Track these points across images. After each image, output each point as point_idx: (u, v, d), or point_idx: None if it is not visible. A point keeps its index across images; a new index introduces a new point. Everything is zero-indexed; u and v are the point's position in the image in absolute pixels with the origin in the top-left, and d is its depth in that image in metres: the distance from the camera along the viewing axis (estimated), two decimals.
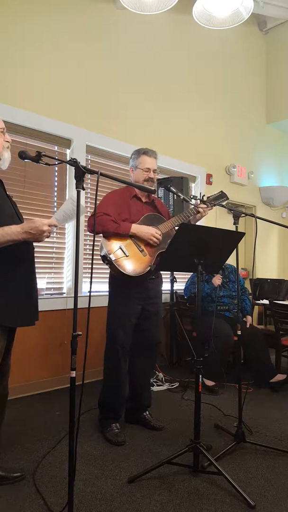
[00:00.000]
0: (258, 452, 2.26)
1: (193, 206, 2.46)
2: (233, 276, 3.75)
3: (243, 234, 2.19)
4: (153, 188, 2.18)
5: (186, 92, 4.64)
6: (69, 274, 3.49)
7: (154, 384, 3.40)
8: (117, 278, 2.35)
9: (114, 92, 3.90)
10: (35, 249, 1.92)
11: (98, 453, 2.21)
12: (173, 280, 3.92)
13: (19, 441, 2.33)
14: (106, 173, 1.70)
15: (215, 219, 4.95)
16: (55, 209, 3.43)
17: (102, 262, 2.39)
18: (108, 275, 2.52)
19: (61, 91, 3.48)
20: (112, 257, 2.27)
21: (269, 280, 4.92)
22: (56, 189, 3.46)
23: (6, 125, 3.08)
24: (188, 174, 4.54)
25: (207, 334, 3.30)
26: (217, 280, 3.55)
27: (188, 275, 4.18)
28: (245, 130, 5.50)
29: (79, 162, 1.56)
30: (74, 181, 1.56)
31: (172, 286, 3.92)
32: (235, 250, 2.29)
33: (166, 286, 4.06)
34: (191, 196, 2.45)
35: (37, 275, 1.94)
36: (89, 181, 3.69)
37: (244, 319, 3.66)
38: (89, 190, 3.69)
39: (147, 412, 2.61)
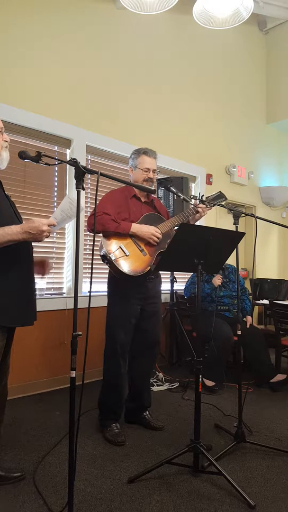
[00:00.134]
0: (258, 452, 2.26)
1: (192, 206, 2.46)
2: (233, 276, 3.75)
3: (243, 234, 2.19)
4: (153, 188, 2.18)
5: (186, 92, 4.64)
6: (69, 274, 3.49)
7: (154, 384, 3.41)
8: (116, 278, 2.34)
9: (114, 92, 3.90)
10: (35, 249, 1.93)
11: (98, 453, 2.21)
12: (173, 280, 3.92)
13: (19, 441, 2.33)
14: (106, 173, 1.70)
15: (215, 219, 4.95)
16: (55, 209, 3.43)
17: (102, 262, 2.39)
18: (107, 275, 2.52)
19: (61, 91, 3.48)
20: (112, 256, 2.27)
21: (269, 280, 4.92)
22: (56, 189, 3.46)
23: (6, 125, 3.08)
24: (188, 174, 4.54)
25: (207, 334, 3.30)
26: (217, 280, 3.55)
27: (188, 275, 4.18)
28: (245, 130, 5.50)
29: (79, 162, 1.56)
30: (74, 181, 1.56)
31: (172, 286, 3.92)
32: (235, 250, 2.29)
33: (166, 286, 4.06)
34: (191, 196, 2.45)
35: (37, 275, 1.94)
36: (89, 181, 3.69)
37: (244, 319, 3.66)
38: (89, 190, 3.69)
39: (147, 412, 2.61)
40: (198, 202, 2.46)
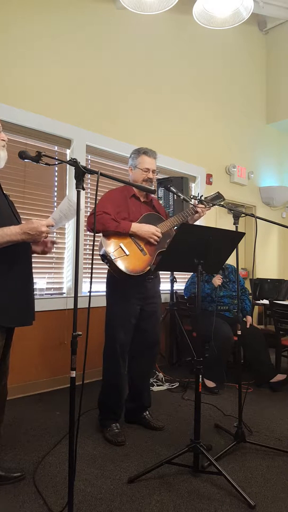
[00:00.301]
0: (258, 452, 2.26)
1: (191, 206, 2.46)
2: (233, 276, 3.75)
3: (243, 234, 2.19)
4: (153, 188, 2.18)
5: (186, 92, 4.64)
6: (69, 274, 3.49)
7: (154, 384, 3.41)
8: (116, 278, 2.34)
9: (114, 92, 3.90)
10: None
11: (98, 453, 2.21)
12: (173, 280, 3.92)
13: (19, 441, 2.33)
14: (106, 173, 1.70)
15: (215, 219, 4.95)
16: (55, 209, 3.43)
17: (102, 262, 2.39)
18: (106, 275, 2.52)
19: (61, 91, 3.48)
20: (112, 256, 2.26)
21: (269, 280, 4.92)
22: (56, 189, 3.46)
23: (6, 125, 3.09)
24: (188, 174, 4.54)
25: (207, 334, 3.30)
26: (217, 280, 3.55)
27: (188, 275, 4.18)
28: (245, 130, 5.50)
29: (79, 162, 1.56)
30: (74, 181, 1.56)
31: (172, 286, 3.92)
32: (235, 250, 2.29)
33: (166, 286, 4.06)
34: (191, 196, 2.45)
35: (37, 275, 1.94)
36: (89, 181, 3.69)
37: (244, 319, 3.66)
38: (89, 190, 3.69)
39: (147, 412, 2.61)
40: (197, 202, 2.46)
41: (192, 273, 3.76)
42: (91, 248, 3.65)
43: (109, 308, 2.48)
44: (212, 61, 4.98)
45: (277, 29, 5.69)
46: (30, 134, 3.26)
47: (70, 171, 3.47)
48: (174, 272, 3.96)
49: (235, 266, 2.83)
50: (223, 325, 3.38)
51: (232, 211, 2.35)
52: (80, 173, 1.55)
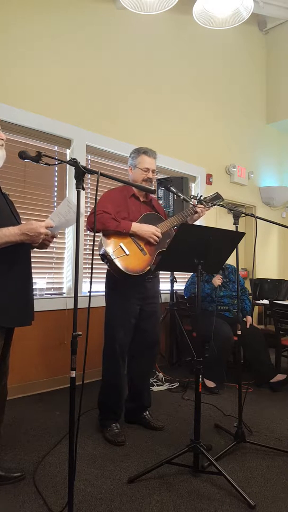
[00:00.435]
0: (258, 452, 2.26)
1: (191, 206, 2.46)
2: (233, 276, 3.75)
3: (243, 234, 2.19)
4: (153, 188, 2.18)
5: (186, 92, 4.64)
6: (69, 274, 3.49)
7: (154, 384, 3.41)
8: (115, 277, 2.34)
9: (114, 92, 3.90)
10: (35, 250, 1.92)
11: (98, 453, 2.21)
12: (173, 280, 3.92)
13: (19, 441, 2.33)
14: (106, 173, 1.70)
15: (215, 219, 4.95)
16: (55, 209, 3.43)
17: (102, 262, 2.39)
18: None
19: (61, 91, 3.48)
20: (112, 255, 2.26)
21: (269, 280, 4.92)
22: (56, 189, 3.46)
23: (6, 125, 3.10)
24: (188, 174, 4.54)
25: (207, 334, 3.30)
26: (217, 280, 3.55)
27: (188, 275, 4.18)
28: (245, 130, 5.50)
29: (79, 162, 1.56)
30: (74, 181, 1.56)
31: (172, 286, 3.92)
32: (235, 250, 2.29)
33: (166, 286, 4.06)
34: (191, 196, 2.45)
35: (37, 275, 1.94)
36: (89, 181, 3.69)
37: (244, 319, 3.66)
38: (89, 190, 3.69)
39: (147, 412, 2.61)
40: (196, 202, 2.46)
41: (192, 273, 3.76)
42: (91, 248, 3.65)
43: (109, 308, 2.48)
44: (212, 61, 4.98)
45: (277, 29, 5.69)
46: (30, 134, 3.26)
47: (70, 171, 3.47)
48: (174, 272, 3.96)
49: (235, 266, 2.83)
50: (223, 325, 3.38)
51: (232, 211, 2.35)
52: (80, 173, 1.55)
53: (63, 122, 3.46)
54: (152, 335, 2.53)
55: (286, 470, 2.08)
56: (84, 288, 3.59)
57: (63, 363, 3.34)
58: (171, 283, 3.92)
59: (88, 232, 3.63)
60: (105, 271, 2.51)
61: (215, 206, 2.65)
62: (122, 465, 2.08)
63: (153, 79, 4.27)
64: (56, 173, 3.46)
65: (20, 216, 1.92)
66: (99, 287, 3.55)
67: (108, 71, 3.86)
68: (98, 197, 1.86)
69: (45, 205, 3.36)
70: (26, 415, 2.73)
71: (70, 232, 3.50)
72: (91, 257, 3.54)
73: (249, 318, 3.70)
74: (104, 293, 2.53)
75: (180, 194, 2.49)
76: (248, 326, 3.58)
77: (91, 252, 3.62)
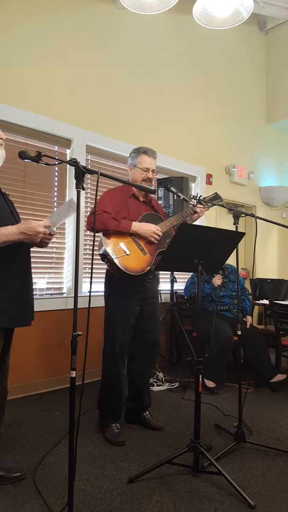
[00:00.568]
0: (258, 452, 2.26)
1: (191, 206, 2.46)
2: (233, 276, 3.75)
3: (243, 234, 2.19)
4: (153, 188, 2.18)
5: (186, 92, 4.64)
6: (69, 274, 3.49)
7: (154, 384, 3.41)
8: (115, 277, 2.34)
9: (114, 92, 3.90)
10: (35, 249, 1.92)
11: (98, 453, 2.21)
12: (173, 280, 3.92)
13: (19, 441, 2.33)
14: (106, 173, 1.70)
15: (215, 219, 4.95)
16: (55, 209, 3.43)
17: (102, 261, 2.39)
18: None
19: (61, 91, 3.48)
20: (112, 255, 2.26)
21: (269, 280, 4.92)
22: (56, 189, 3.46)
23: (6, 125, 3.10)
24: (188, 174, 4.54)
25: (207, 334, 3.30)
26: (217, 280, 3.55)
27: (188, 275, 4.18)
28: (245, 130, 5.50)
29: (79, 162, 1.56)
30: (74, 181, 1.56)
31: (172, 286, 3.92)
32: (235, 250, 2.29)
33: (166, 286, 4.06)
34: (191, 196, 2.45)
35: (37, 275, 1.94)
36: (89, 181, 3.69)
37: (244, 319, 3.66)
38: (89, 190, 3.69)
39: (147, 412, 2.61)
40: (196, 202, 2.46)
41: (192, 273, 3.76)
42: (91, 248, 3.65)
43: (108, 308, 2.47)
44: (212, 61, 4.98)
45: (277, 29, 5.69)
46: (30, 134, 3.26)
47: (70, 171, 3.47)
48: (174, 272, 3.96)
49: (235, 266, 2.83)
50: (223, 325, 3.38)
51: (232, 211, 2.35)
52: (80, 173, 1.55)
53: (63, 122, 3.46)
54: (152, 335, 2.53)
55: (286, 470, 2.08)
56: (84, 288, 3.59)
57: (63, 363, 3.34)
58: (171, 283, 3.92)
59: (88, 232, 3.63)
60: (105, 271, 2.51)
61: (215, 206, 2.65)
62: (122, 465, 2.08)
63: (153, 79, 4.27)
64: (56, 173, 3.46)
65: (20, 216, 1.92)
66: (99, 287, 3.55)
67: (108, 71, 3.86)
68: (98, 197, 1.85)
69: (45, 205, 3.36)
70: (26, 415, 2.73)
71: (70, 232, 3.50)
72: (91, 257, 3.54)
73: (249, 318, 3.70)
74: (103, 293, 2.53)
75: (180, 194, 2.48)
76: (248, 326, 3.58)
77: (91, 252, 3.62)
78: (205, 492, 1.85)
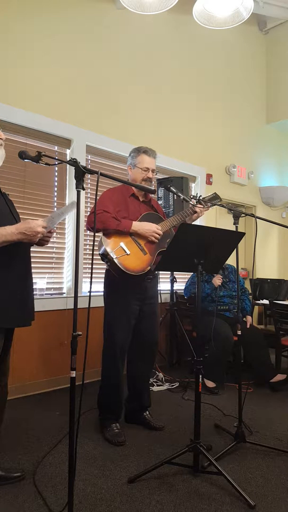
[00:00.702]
0: (258, 452, 2.26)
1: (191, 205, 2.46)
2: (233, 276, 3.75)
3: (243, 234, 2.19)
4: (153, 188, 2.18)
5: (186, 92, 4.64)
6: (69, 274, 3.49)
7: (154, 384, 3.41)
8: (114, 278, 2.33)
9: (114, 92, 3.90)
10: (35, 249, 1.92)
11: (98, 453, 2.21)
12: (173, 280, 3.92)
13: (19, 441, 2.33)
14: (106, 173, 1.70)
15: (215, 219, 4.95)
16: (55, 209, 3.43)
17: (102, 261, 2.39)
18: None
19: (61, 91, 3.48)
20: (113, 255, 2.25)
21: (269, 280, 4.92)
22: (56, 189, 3.46)
23: (6, 125, 3.10)
24: (188, 174, 4.54)
25: (207, 334, 3.30)
26: (217, 280, 3.55)
27: (188, 275, 4.18)
28: (245, 130, 5.50)
29: (79, 162, 1.56)
30: (74, 181, 1.56)
31: (172, 286, 3.92)
32: (235, 250, 2.29)
33: (166, 286, 4.06)
34: (191, 196, 2.45)
35: (37, 275, 1.94)
36: (89, 181, 3.69)
37: (244, 319, 3.66)
38: (89, 190, 3.69)
39: (147, 412, 2.61)
40: (195, 202, 2.46)
41: (192, 273, 3.76)
42: (91, 248, 3.65)
43: (108, 308, 2.47)
44: (212, 61, 4.98)
45: (277, 29, 5.69)
46: (30, 134, 3.26)
47: (70, 171, 3.47)
48: (174, 272, 3.96)
49: (235, 266, 2.83)
50: (223, 325, 3.38)
51: (232, 211, 2.35)
52: (80, 173, 1.55)
53: (63, 122, 3.46)
54: (151, 335, 2.53)
55: (286, 470, 2.08)
56: (84, 288, 3.59)
57: (63, 363, 3.34)
58: (171, 283, 3.92)
59: (88, 232, 3.63)
60: (105, 271, 2.51)
61: (215, 206, 2.65)
62: (122, 465, 2.08)
63: (153, 79, 4.27)
64: (56, 173, 3.46)
65: (20, 216, 1.92)
66: (99, 287, 3.55)
67: (108, 71, 3.86)
68: (98, 197, 1.85)
69: (45, 205, 3.36)
70: (26, 415, 2.73)
71: (70, 232, 3.50)
72: (91, 257, 3.54)
73: (249, 318, 3.70)
74: (103, 293, 2.53)
75: (180, 194, 2.48)
76: (248, 326, 3.58)
77: (91, 252, 3.62)
78: (205, 492, 1.85)
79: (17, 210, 1.92)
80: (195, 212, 2.47)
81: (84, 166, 1.56)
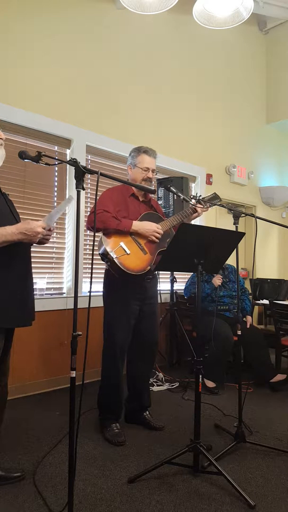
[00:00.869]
0: (258, 452, 2.26)
1: (191, 205, 2.46)
2: (233, 276, 3.75)
3: (243, 234, 2.19)
4: (153, 188, 2.17)
5: (186, 92, 4.64)
6: (69, 274, 3.49)
7: (154, 384, 3.41)
8: (114, 278, 2.33)
9: (114, 92, 3.90)
10: (35, 249, 1.92)
11: (98, 453, 2.21)
12: (173, 280, 3.92)
13: (19, 441, 2.33)
14: (106, 173, 1.70)
15: (215, 219, 4.95)
16: (57, 207, 3.43)
17: (102, 261, 2.39)
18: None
19: (61, 91, 3.48)
20: (113, 254, 2.25)
21: (269, 280, 4.92)
22: (56, 189, 3.46)
23: (6, 125, 3.10)
24: (188, 174, 4.54)
25: (207, 334, 3.30)
26: (217, 280, 3.55)
27: (188, 275, 4.18)
28: (245, 130, 5.50)
29: (79, 162, 1.56)
30: (74, 181, 1.56)
31: (172, 286, 3.92)
32: (235, 250, 2.29)
33: (166, 286, 4.06)
34: (191, 196, 2.45)
35: (37, 275, 1.94)
36: (89, 181, 3.69)
37: (244, 319, 3.66)
38: (89, 190, 3.69)
39: (147, 412, 2.61)
40: (195, 202, 2.46)
41: (192, 273, 3.76)
42: (91, 248, 3.65)
43: (108, 308, 2.47)
44: (212, 61, 4.98)
45: (277, 29, 5.69)
46: (30, 134, 3.26)
47: (70, 171, 3.47)
48: (174, 272, 3.96)
49: (235, 266, 2.82)
50: (223, 325, 3.38)
51: (232, 211, 2.35)
52: (80, 173, 1.55)
53: (63, 122, 3.46)
54: (151, 335, 2.53)
55: (286, 470, 2.08)
56: (84, 288, 3.59)
57: (63, 363, 3.34)
58: (171, 283, 3.92)
59: (88, 232, 3.63)
60: (104, 271, 2.50)
61: (215, 206, 2.65)
62: (122, 465, 2.08)
63: (153, 79, 4.27)
64: (56, 173, 3.46)
65: (20, 216, 1.92)
66: (99, 287, 3.55)
67: (108, 71, 3.86)
68: (98, 197, 1.85)
69: (45, 205, 3.36)
70: (26, 415, 2.73)
71: (70, 232, 3.50)
72: (91, 257, 3.54)
73: (249, 318, 3.70)
74: (102, 293, 2.52)
75: (180, 194, 2.48)
76: (248, 326, 3.58)
77: (91, 252, 3.62)
78: (205, 492, 1.85)
79: (17, 210, 1.92)
80: (196, 211, 2.47)
81: (84, 166, 1.56)
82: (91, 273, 1.65)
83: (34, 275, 1.89)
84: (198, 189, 4.73)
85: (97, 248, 2.44)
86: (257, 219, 2.32)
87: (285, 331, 3.56)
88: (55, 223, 1.82)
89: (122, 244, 2.30)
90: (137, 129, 4.07)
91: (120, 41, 3.97)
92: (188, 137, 4.65)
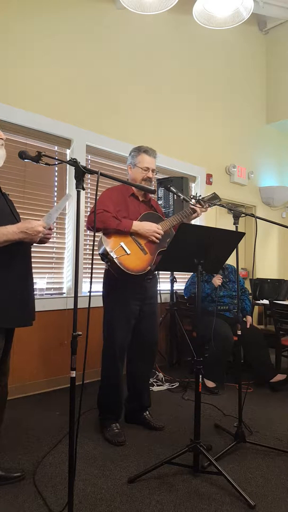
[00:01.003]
0: (258, 452, 2.26)
1: (191, 205, 2.46)
2: (233, 276, 3.75)
3: (243, 234, 2.19)
4: (153, 188, 2.17)
5: (186, 92, 4.64)
6: (69, 274, 3.49)
7: (154, 384, 3.41)
8: (114, 278, 2.33)
9: (114, 92, 3.90)
10: (35, 249, 1.92)
11: (98, 453, 2.21)
12: (173, 280, 3.92)
13: (19, 441, 2.33)
14: (106, 173, 1.70)
15: (215, 219, 4.95)
16: (56, 205, 3.43)
17: (101, 261, 2.38)
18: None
19: (61, 91, 3.48)
20: (113, 254, 2.25)
21: (269, 280, 4.92)
22: (56, 189, 3.46)
23: (6, 125, 3.10)
24: (188, 174, 4.54)
25: (207, 334, 3.30)
26: (217, 280, 3.55)
27: (188, 275, 4.18)
28: (245, 130, 5.50)
29: (79, 162, 1.56)
30: (74, 181, 1.56)
31: (172, 286, 3.92)
32: (235, 250, 2.29)
33: (166, 286, 4.06)
34: (191, 196, 2.45)
35: (37, 275, 1.94)
36: (89, 181, 3.69)
37: (244, 319, 3.66)
38: (89, 190, 3.69)
39: (147, 412, 2.61)
40: (194, 202, 2.46)
41: (192, 273, 3.76)
42: (91, 248, 3.65)
43: (108, 308, 2.47)
44: (212, 61, 4.98)
45: (277, 29, 5.69)
46: (30, 134, 3.26)
47: (70, 171, 3.47)
48: (174, 272, 3.96)
49: (235, 266, 2.82)
50: (223, 325, 3.38)
51: (232, 211, 2.35)
52: (80, 173, 1.55)
53: (63, 122, 3.46)
54: (151, 335, 2.53)
55: (286, 470, 2.08)
56: (84, 288, 3.59)
57: (63, 363, 3.34)
58: (171, 283, 3.92)
59: (88, 232, 3.63)
60: (104, 271, 2.50)
61: (215, 206, 2.66)
62: (122, 465, 2.08)
63: (153, 79, 4.27)
64: (56, 173, 3.46)
65: (21, 216, 1.92)
66: (99, 287, 3.55)
67: (108, 71, 3.86)
68: (98, 197, 1.85)
69: (45, 205, 3.35)
70: (26, 415, 2.73)
71: (70, 232, 3.50)
72: (91, 257, 3.54)
73: (249, 318, 3.70)
74: (102, 293, 2.52)
75: (180, 194, 2.48)
76: (248, 326, 3.58)
77: (91, 252, 3.62)
78: (205, 492, 1.85)
79: (17, 210, 1.92)
80: (195, 211, 2.47)
81: (84, 166, 1.56)
82: (91, 273, 1.65)
83: (34, 275, 1.89)
84: (198, 189, 4.73)
85: (97, 248, 2.44)
86: (257, 219, 2.32)
87: (285, 331, 3.56)
88: (55, 222, 1.82)
89: (122, 244, 2.30)
90: (137, 129, 4.07)
91: (120, 41, 3.97)
92: (188, 137, 4.65)
